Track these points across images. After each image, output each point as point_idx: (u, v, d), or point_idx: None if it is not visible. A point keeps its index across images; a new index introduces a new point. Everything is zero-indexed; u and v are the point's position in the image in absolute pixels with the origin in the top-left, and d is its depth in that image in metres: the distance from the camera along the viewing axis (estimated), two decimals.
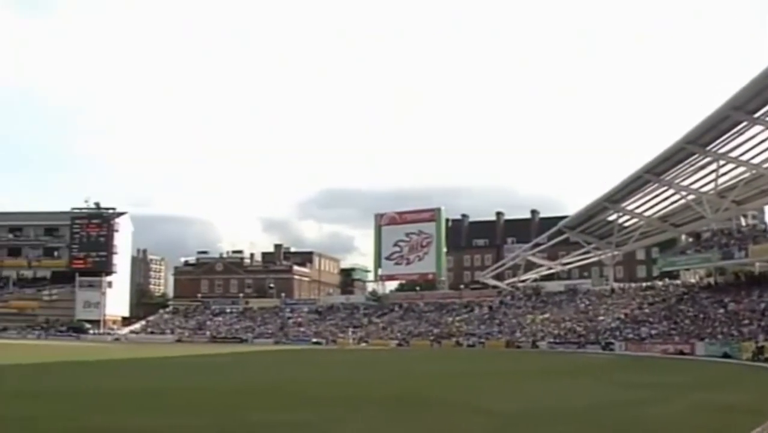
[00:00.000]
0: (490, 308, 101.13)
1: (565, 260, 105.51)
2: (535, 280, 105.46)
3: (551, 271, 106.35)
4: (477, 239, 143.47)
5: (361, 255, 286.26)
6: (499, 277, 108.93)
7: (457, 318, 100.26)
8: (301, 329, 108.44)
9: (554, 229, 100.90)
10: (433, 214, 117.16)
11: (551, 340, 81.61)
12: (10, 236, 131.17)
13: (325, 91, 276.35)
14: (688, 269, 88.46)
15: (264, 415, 16.81)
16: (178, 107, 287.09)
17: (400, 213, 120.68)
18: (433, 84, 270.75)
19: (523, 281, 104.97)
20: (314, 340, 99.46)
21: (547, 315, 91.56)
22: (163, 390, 23.44)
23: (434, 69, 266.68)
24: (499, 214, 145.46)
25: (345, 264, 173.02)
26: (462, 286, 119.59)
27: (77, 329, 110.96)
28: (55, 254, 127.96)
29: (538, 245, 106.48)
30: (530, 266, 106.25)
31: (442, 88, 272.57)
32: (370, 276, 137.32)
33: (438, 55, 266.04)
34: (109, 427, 14.05)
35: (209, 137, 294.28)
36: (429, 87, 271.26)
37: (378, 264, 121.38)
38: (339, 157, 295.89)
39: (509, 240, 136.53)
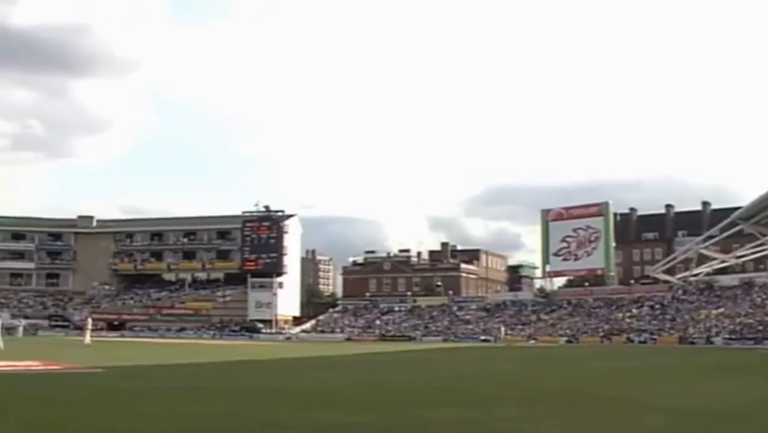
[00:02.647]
0: (662, 303, 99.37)
1: (739, 253, 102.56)
2: (708, 274, 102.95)
3: (725, 264, 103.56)
4: (646, 232, 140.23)
5: (529, 252, 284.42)
6: (670, 271, 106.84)
7: (628, 314, 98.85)
8: (469, 326, 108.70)
9: (727, 221, 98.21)
10: (601, 209, 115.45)
11: (726, 336, 79.38)
12: (185, 240, 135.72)
13: (489, 87, 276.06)
14: None
15: (433, 412, 16.60)
16: (342, 109, 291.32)
17: (567, 208, 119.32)
18: (597, 77, 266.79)
19: (696, 275, 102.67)
20: (482, 337, 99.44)
21: (721, 310, 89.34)
22: (334, 387, 23.13)
23: (599, 63, 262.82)
24: (668, 206, 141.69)
25: (512, 261, 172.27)
26: (632, 281, 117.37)
27: (250, 329, 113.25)
28: (228, 256, 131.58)
29: (710, 237, 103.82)
30: (702, 260, 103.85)
31: (608, 80, 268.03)
32: (538, 273, 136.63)
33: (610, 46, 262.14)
34: (283, 423, 14.25)
35: (375, 138, 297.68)
36: (593, 80, 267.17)
37: (545, 260, 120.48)
38: (503, 154, 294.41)
39: (680, 233, 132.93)
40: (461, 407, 17.41)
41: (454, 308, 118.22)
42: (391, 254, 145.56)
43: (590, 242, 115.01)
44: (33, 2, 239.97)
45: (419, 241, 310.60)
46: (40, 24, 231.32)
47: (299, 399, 18.84)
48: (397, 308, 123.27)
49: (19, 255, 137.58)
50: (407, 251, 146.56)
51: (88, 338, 60.98)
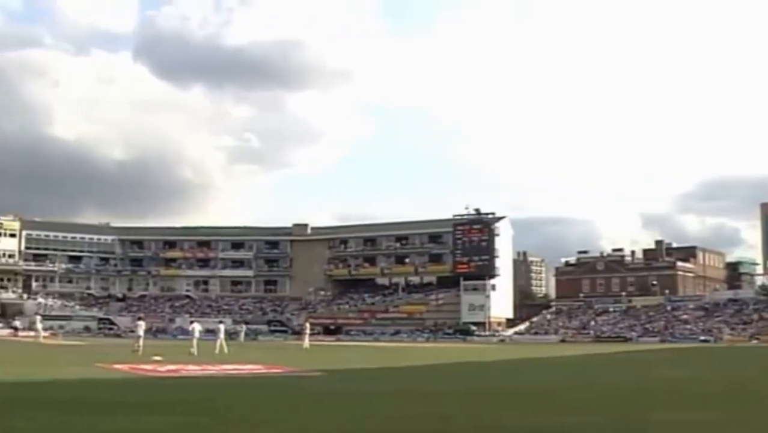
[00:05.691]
0: None
1: None
2: None
3: None
4: None
5: (749, 248, 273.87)
6: None
7: None
8: (687, 326, 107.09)
9: None
10: None
11: None
12: (398, 244, 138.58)
13: (697, 77, 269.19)
14: None
15: (662, 414, 16.40)
16: (552, 109, 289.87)
17: None
18: None
19: None
20: (702, 338, 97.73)
21: None
22: (556, 389, 23.69)
23: None
24: None
25: (731, 258, 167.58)
26: None
27: (463, 331, 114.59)
28: (440, 259, 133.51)
29: None
30: None
31: None
32: (759, 269, 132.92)
33: None
34: (501, 425, 14.57)
35: (585, 136, 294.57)
36: None
37: (767, 256, 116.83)
38: (718, 146, 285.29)
39: None
40: (691, 409, 17.46)
41: (671, 308, 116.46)
42: (605, 254, 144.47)
43: None
44: (246, 21, 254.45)
45: (633, 239, 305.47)
46: (255, 41, 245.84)
47: (515, 401, 19.27)
48: (611, 309, 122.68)
49: (239, 263, 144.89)
50: (620, 250, 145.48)
51: (306, 342, 64.09)
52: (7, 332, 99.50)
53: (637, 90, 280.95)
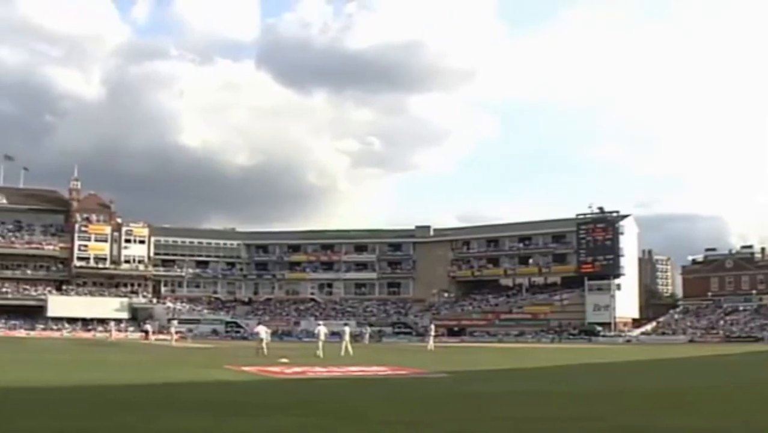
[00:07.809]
0: None
1: None
2: None
3: None
4: None
5: None
6: None
7: None
8: None
9: None
10: None
11: None
12: (521, 245, 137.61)
13: None
14: None
15: None
16: (674, 104, 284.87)
17: None
18: None
19: None
20: None
21: None
22: (685, 391, 23.67)
23: None
24: None
25: None
26: None
27: (589, 332, 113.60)
28: (564, 259, 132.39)
29: None
30: None
31: None
32: None
33: None
34: (642, 426, 14.58)
35: (712, 130, 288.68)
36: None
37: None
38: None
39: None
40: None
41: None
42: (733, 251, 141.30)
43: None
44: (366, 26, 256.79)
45: (763, 236, 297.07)
46: (375, 45, 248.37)
47: (643, 402, 19.16)
48: (741, 308, 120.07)
49: (363, 266, 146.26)
50: (750, 246, 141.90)
51: (431, 344, 64.72)
52: (138, 335, 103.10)
53: (761, 81, 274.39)
